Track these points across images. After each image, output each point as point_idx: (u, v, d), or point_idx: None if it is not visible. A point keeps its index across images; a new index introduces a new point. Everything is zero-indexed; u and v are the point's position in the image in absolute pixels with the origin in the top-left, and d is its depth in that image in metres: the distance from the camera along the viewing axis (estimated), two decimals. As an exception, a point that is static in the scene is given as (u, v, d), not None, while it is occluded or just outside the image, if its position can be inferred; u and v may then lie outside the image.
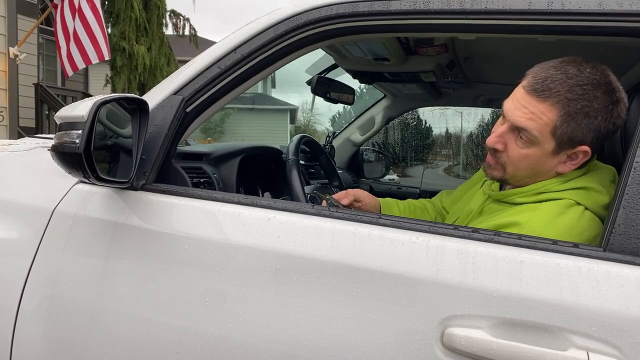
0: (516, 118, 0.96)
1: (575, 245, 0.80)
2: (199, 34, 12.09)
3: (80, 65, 6.29)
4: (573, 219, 0.92)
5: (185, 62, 1.18)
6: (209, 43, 13.38)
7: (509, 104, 0.99)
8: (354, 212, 0.92)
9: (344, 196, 1.29)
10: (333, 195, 1.28)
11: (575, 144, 0.95)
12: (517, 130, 0.97)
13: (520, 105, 0.96)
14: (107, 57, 6.33)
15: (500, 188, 1.15)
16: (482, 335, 0.77)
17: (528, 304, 0.76)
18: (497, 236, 0.83)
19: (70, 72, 6.40)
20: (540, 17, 0.92)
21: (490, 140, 1.02)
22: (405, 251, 0.84)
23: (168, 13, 11.31)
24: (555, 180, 0.99)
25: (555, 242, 0.81)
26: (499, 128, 1.02)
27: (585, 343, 0.73)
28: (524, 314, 0.76)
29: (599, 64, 0.96)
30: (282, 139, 18.65)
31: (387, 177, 3.11)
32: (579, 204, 0.94)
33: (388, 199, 1.43)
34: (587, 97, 0.92)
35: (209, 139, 14.98)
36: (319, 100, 2.07)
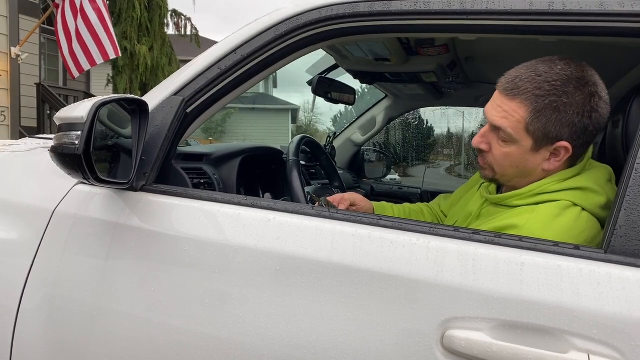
0: (492, 117, 1.00)
1: (576, 247, 0.79)
2: (199, 34, 12.10)
3: (86, 66, 6.27)
4: (570, 220, 0.92)
5: (186, 61, 1.18)
6: (209, 42, 13.39)
7: (488, 106, 1.02)
8: (354, 214, 0.91)
9: (339, 201, 1.30)
10: (328, 198, 1.28)
11: (552, 140, 0.96)
12: (496, 129, 1.00)
13: (496, 105, 1.00)
14: (112, 56, 6.31)
15: (498, 191, 1.14)
16: (482, 337, 0.77)
17: (529, 306, 0.76)
18: (497, 238, 0.82)
19: (76, 73, 6.39)
20: (542, 17, 0.91)
21: (475, 141, 1.05)
22: (406, 253, 0.84)
23: (170, 13, 11.31)
24: (550, 181, 0.99)
25: (556, 244, 0.80)
26: (483, 128, 1.05)
27: (586, 345, 0.73)
28: (524, 316, 0.76)
29: (574, 61, 0.97)
30: (283, 138, 18.65)
31: (389, 177, 3.11)
32: (575, 204, 0.94)
33: (383, 203, 1.44)
34: (556, 92, 0.93)
35: (210, 138, 15.00)
36: (320, 100, 2.07)
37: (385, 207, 1.42)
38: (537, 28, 0.94)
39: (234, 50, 1.07)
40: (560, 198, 0.95)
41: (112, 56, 6.30)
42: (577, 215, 0.93)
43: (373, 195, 2.58)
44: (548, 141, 0.96)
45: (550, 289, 0.76)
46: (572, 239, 0.88)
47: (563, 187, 0.97)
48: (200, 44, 11.67)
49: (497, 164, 1.03)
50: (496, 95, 1.01)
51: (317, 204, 1.25)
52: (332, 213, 0.92)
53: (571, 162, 1.01)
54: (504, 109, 0.97)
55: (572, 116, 0.94)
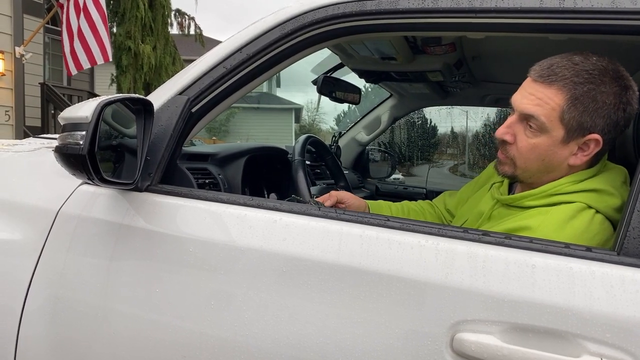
0: (523, 106, 0.96)
1: (588, 249, 0.78)
2: (203, 33, 12.10)
3: (85, 65, 6.30)
4: (584, 223, 0.90)
5: (190, 61, 1.17)
6: (212, 42, 13.39)
7: (516, 95, 0.99)
8: (361, 214, 0.90)
9: (327, 198, 1.26)
10: (317, 199, 1.25)
11: (584, 131, 0.93)
12: (525, 119, 0.97)
13: (527, 93, 0.96)
14: (111, 59, 6.37)
15: (509, 192, 1.12)
16: (492, 340, 0.75)
17: (540, 309, 0.74)
18: (508, 239, 0.81)
19: (74, 71, 6.41)
20: (552, 15, 0.90)
21: (499, 132, 1.01)
22: (414, 254, 0.82)
23: (173, 12, 11.33)
24: (565, 182, 0.97)
25: (567, 245, 0.79)
26: (508, 119, 1.01)
27: (599, 349, 0.72)
28: (535, 319, 0.74)
29: (605, 56, 0.95)
30: (287, 138, 18.65)
31: (392, 176, 3.09)
32: (590, 207, 0.92)
33: (380, 202, 1.40)
34: (594, 80, 0.92)
35: (213, 137, 15.01)
36: (323, 99, 2.05)
37: (381, 206, 1.37)
38: (547, 26, 0.92)
39: (239, 49, 1.06)
40: (574, 200, 0.93)
41: (111, 59, 6.35)
42: (591, 218, 0.91)
43: (378, 195, 2.56)
44: (580, 132, 0.94)
45: (562, 291, 0.75)
46: (584, 241, 0.86)
47: (578, 188, 0.95)
48: (205, 43, 11.68)
49: (520, 157, 0.99)
50: (528, 84, 0.97)
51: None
52: (338, 214, 0.91)
53: (593, 161, 0.99)
54: (538, 97, 0.94)
55: (609, 107, 0.92)
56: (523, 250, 0.79)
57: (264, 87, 20.97)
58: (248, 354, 0.88)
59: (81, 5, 6.04)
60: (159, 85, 1.11)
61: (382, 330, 0.81)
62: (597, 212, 0.92)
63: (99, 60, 6.21)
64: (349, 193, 1.31)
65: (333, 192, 1.29)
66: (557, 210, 0.93)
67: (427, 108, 2.71)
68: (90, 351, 0.99)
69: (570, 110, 0.92)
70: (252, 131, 19.04)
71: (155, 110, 1.03)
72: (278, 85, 24.31)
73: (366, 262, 0.84)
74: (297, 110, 21.99)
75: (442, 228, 0.85)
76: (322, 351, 0.84)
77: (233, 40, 1.08)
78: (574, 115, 0.92)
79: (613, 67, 0.93)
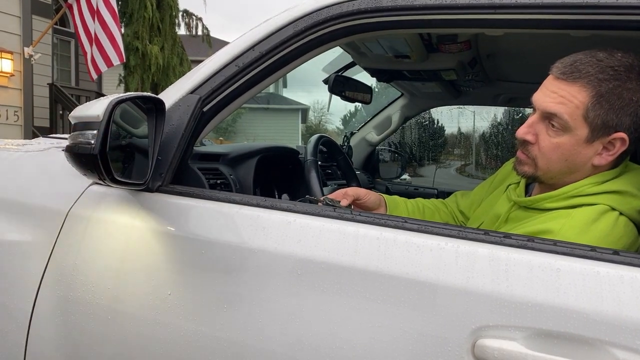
0: (546, 104, 0.93)
1: (616, 252, 0.75)
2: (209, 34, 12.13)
3: (103, 68, 6.38)
4: (608, 225, 0.87)
5: (197, 62, 1.16)
6: (216, 41, 13.38)
7: (538, 94, 0.96)
8: (378, 216, 0.88)
9: (342, 197, 1.19)
10: (328, 195, 1.18)
11: (610, 130, 0.90)
12: (547, 118, 0.94)
13: (550, 91, 0.93)
14: (125, 59, 6.44)
15: (526, 193, 1.09)
16: (516, 347, 0.73)
17: (566, 315, 0.72)
18: (530, 242, 0.78)
19: (95, 75, 6.51)
20: (575, 10, 0.87)
21: (520, 131, 0.98)
22: (434, 257, 0.80)
23: (181, 13, 11.37)
24: (587, 183, 0.94)
25: (593, 248, 0.76)
26: (529, 118, 0.98)
27: (628, 357, 0.69)
28: (561, 325, 0.72)
29: (630, 52, 0.92)
30: (293, 139, 18.64)
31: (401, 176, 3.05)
32: (613, 209, 0.89)
33: (395, 197, 1.36)
34: (620, 77, 0.88)
35: (220, 138, 15.03)
36: (333, 99, 2.03)
37: (397, 202, 1.34)
38: (570, 22, 0.89)
39: (251, 47, 1.05)
40: (597, 202, 0.90)
41: (124, 60, 6.42)
42: (615, 221, 0.88)
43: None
44: (605, 131, 0.90)
45: (589, 296, 0.72)
46: (609, 245, 0.84)
47: (600, 190, 0.92)
48: (212, 44, 11.71)
49: (542, 157, 0.96)
50: (549, 82, 0.94)
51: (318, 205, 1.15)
52: (354, 215, 0.88)
53: (617, 162, 0.95)
54: (561, 95, 0.91)
55: (636, 104, 0.89)
56: (547, 253, 0.76)
57: (270, 88, 20.99)
58: (261, 357, 0.86)
59: (94, 7, 6.09)
60: (166, 86, 1.10)
61: (400, 336, 0.79)
62: (621, 214, 0.89)
63: (115, 61, 6.27)
64: (363, 189, 1.25)
65: (349, 191, 1.22)
66: (579, 213, 0.90)
67: (439, 108, 2.68)
68: (100, 353, 0.98)
69: (594, 108, 0.89)
70: (258, 131, 19.05)
71: (166, 109, 1.01)
72: (284, 85, 24.34)
73: (383, 265, 0.82)
74: (304, 111, 22.00)
75: (463, 230, 0.82)
76: (338, 356, 0.82)
77: (245, 37, 1.06)
78: (598, 113, 0.89)
79: (639, 64, 0.90)
